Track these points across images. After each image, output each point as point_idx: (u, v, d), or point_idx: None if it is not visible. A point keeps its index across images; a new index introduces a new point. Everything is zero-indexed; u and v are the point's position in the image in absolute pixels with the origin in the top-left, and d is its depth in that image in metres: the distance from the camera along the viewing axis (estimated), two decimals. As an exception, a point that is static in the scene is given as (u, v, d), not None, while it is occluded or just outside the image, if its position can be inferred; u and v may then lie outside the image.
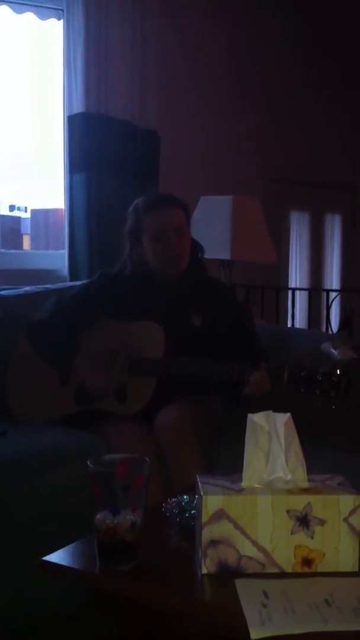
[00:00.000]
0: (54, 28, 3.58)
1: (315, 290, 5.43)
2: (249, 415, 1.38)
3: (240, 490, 1.32)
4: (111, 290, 2.52)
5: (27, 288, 2.89)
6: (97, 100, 3.39)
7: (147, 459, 1.33)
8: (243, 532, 1.28)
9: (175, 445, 2.21)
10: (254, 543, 1.28)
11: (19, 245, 4.73)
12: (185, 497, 1.55)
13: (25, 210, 4.90)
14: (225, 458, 2.17)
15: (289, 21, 4.94)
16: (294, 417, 1.38)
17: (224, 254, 3.45)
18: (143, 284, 2.50)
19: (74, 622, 2.04)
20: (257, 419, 1.37)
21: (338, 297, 5.36)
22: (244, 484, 1.35)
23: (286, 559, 1.29)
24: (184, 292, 2.50)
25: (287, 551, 1.29)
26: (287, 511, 1.29)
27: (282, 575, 1.28)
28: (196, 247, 2.57)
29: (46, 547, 1.39)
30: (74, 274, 3.42)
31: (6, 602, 1.97)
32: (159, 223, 2.44)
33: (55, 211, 4.31)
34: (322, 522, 1.29)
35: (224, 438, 2.28)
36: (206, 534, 1.28)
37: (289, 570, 1.29)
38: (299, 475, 1.35)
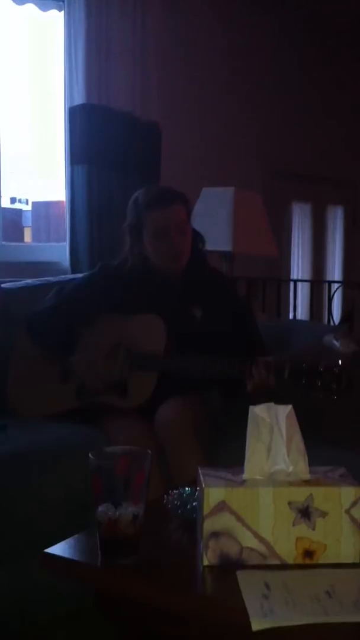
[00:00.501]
0: (55, 19, 3.57)
1: (317, 282, 5.43)
2: (251, 407, 1.38)
3: (241, 483, 1.32)
4: (112, 283, 2.51)
5: (28, 281, 2.89)
6: (98, 92, 3.38)
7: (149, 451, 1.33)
8: (244, 524, 1.28)
9: (175, 441, 2.20)
10: (256, 535, 1.28)
11: (20, 237, 4.74)
12: (186, 489, 1.55)
13: (27, 202, 4.91)
14: (225, 454, 2.16)
15: (290, 15, 4.92)
16: (295, 411, 1.38)
17: (226, 246, 3.44)
18: (144, 278, 2.49)
19: (74, 623, 2.04)
20: (259, 411, 1.37)
21: (340, 289, 5.36)
22: (245, 476, 1.35)
23: (287, 551, 1.29)
24: (184, 284, 2.49)
25: (289, 543, 1.29)
26: (289, 503, 1.29)
27: (284, 567, 1.28)
28: (197, 238, 2.56)
29: (47, 545, 1.38)
30: (75, 266, 3.42)
31: (6, 601, 1.97)
32: (159, 220, 2.42)
33: (56, 203, 4.31)
34: (323, 514, 1.29)
35: (224, 434, 2.27)
36: (207, 526, 1.28)
37: (291, 561, 1.29)
38: (301, 467, 1.35)
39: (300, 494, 1.29)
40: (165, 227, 2.41)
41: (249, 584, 1.21)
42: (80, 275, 2.84)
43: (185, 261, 2.47)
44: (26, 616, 2.00)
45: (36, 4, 3.48)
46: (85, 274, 2.77)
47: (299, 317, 4.98)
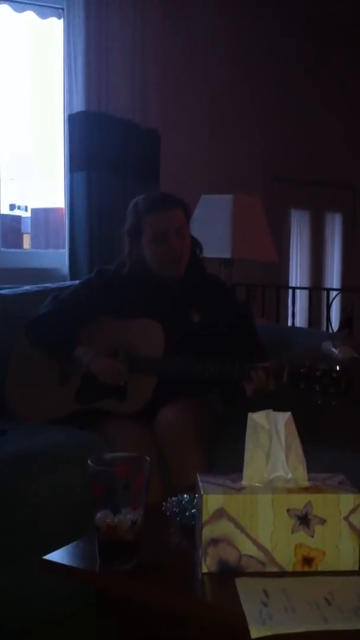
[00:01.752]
0: (55, 27, 3.57)
1: (316, 289, 5.43)
2: (250, 414, 1.38)
3: (240, 489, 1.32)
4: (109, 287, 2.52)
5: (27, 287, 2.89)
6: (97, 99, 3.39)
7: (148, 457, 1.33)
8: (243, 531, 1.28)
9: (175, 445, 2.21)
10: (254, 542, 1.28)
11: (19, 244, 4.74)
12: (185, 496, 1.55)
13: (26, 209, 4.91)
14: (225, 457, 2.17)
15: (290, 19, 4.94)
16: (294, 416, 1.38)
17: (225, 253, 3.45)
18: (142, 282, 2.50)
19: (74, 623, 2.04)
20: (258, 418, 1.37)
21: (338, 296, 5.36)
22: (244, 482, 1.35)
23: (286, 558, 1.29)
24: (182, 288, 2.50)
25: (288, 550, 1.29)
26: (288, 510, 1.29)
27: (283, 574, 1.28)
28: (194, 244, 2.57)
29: (46, 547, 1.39)
30: (74, 272, 3.42)
31: (6, 602, 1.97)
32: (159, 225, 2.43)
33: (55, 210, 4.31)
34: (322, 521, 1.29)
35: (224, 437, 2.27)
36: (206, 532, 1.28)
37: (289, 569, 1.29)
38: (300, 474, 1.35)
39: (299, 501, 1.29)
40: (164, 231, 2.42)
41: (248, 591, 1.20)
42: (78, 281, 2.84)
43: (184, 265, 2.48)
44: (26, 616, 2.00)
45: (35, 12, 3.49)
46: (82, 279, 2.78)
47: (297, 324, 4.98)
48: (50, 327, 2.49)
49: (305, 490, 1.32)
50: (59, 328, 2.47)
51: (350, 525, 1.29)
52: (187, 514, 1.51)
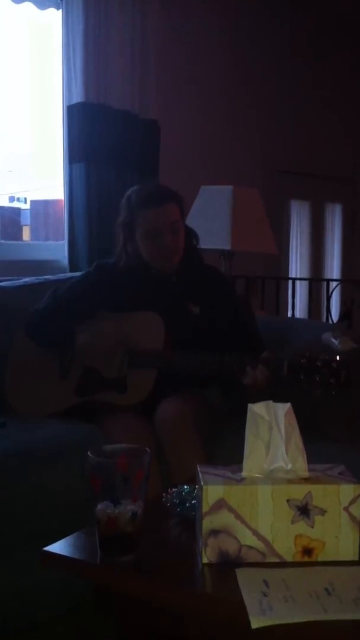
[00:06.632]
0: (53, 18, 3.56)
1: (316, 280, 5.43)
2: (250, 405, 1.38)
3: (240, 480, 1.32)
4: (108, 281, 2.51)
5: (27, 279, 2.89)
6: (96, 90, 3.38)
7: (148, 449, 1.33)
8: (243, 522, 1.28)
9: (175, 439, 2.20)
10: (255, 532, 1.28)
11: (18, 236, 4.73)
12: (185, 487, 1.55)
13: (25, 201, 4.90)
14: (225, 451, 2.17)
15: (290, 11, 4.92)
16: (294, 409, 1.38)
17: (224, 244, 3.44)
18: (140, 276, 2.49)
19: (73, 621, 2.03)
20: (258, 409, 1.37)
21: (338, 287, 5.36)
22: (244, 473, 1.35)
23: (286, 549, 1.29)
24: (181, 281, 2.49)
25: (288, 540, 1.29)
26: (288, 501, 1.29)
27: (283, 564, 1.28)
28: (191, 235, 2.55)
29: (45, 542, 1.38)
30: (73, 264, 3.42)
31: (5, 600, 1.96)
32: (152, 221, 2.40)
33: (54, 202, 4.31)
34: (322, 512, 1.29)
35: (224, 431, 2.27)
36: (207, 523, 1.28)
37: (290, 559, 1.29)
38: (300, 465, 1.36)
39: (299, 492, 1.29)
40: (157, 227, 2.40)
41: (248, 582, 1.21)
42: (78, 273, 2.83)
43: (178, 259, 2.47)
44: (26, 613, 1.99)
45: (34, 3, 3.46)
46: (81, 272, 2.77)
47: (297, 315, 4.98)
48: (50, 321, 2.48)
49: (305, 480, 1.32)
50: (58, 322, 2.46)
51: (350, 515, 1.29)
52: (187, 505, 1.51)
